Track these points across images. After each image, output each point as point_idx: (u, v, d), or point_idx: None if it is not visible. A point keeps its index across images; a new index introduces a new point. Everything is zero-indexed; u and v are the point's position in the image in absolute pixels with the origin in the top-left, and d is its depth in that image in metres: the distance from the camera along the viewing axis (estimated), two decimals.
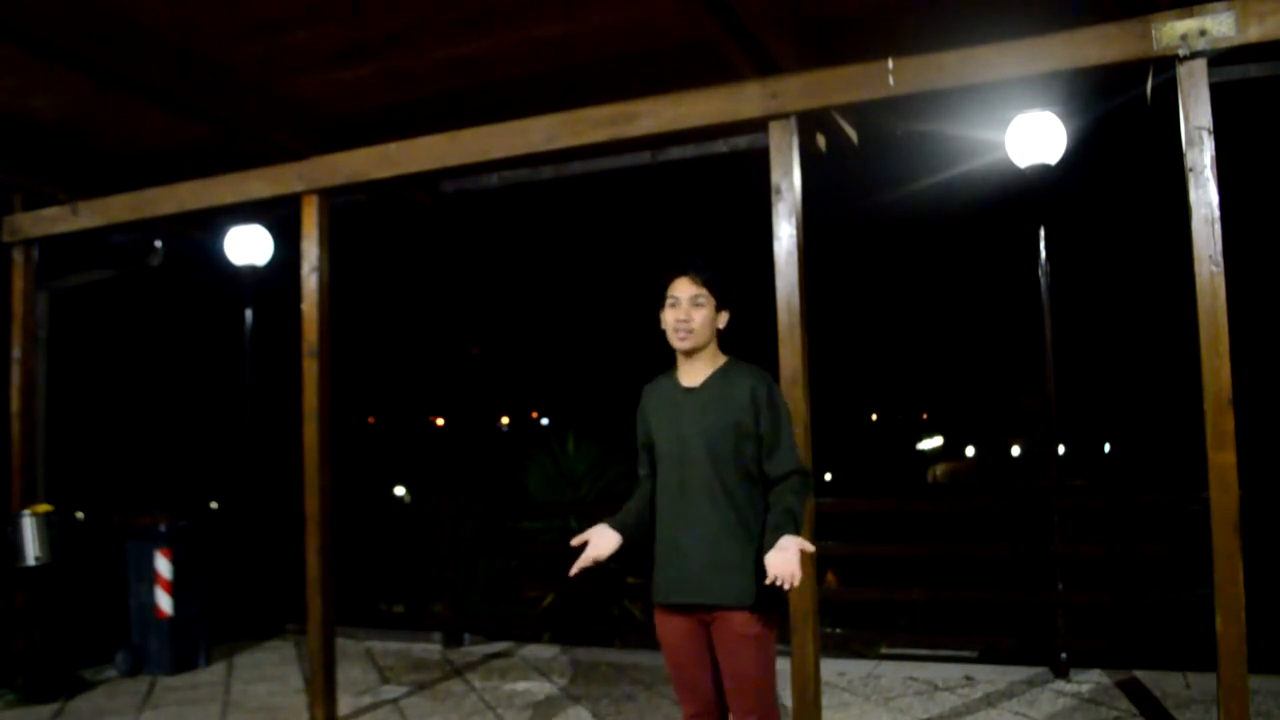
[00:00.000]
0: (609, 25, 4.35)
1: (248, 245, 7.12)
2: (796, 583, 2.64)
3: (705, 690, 2.97)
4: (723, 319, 2.97)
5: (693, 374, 2.98)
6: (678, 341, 2.94)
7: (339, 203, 5.77)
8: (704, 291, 2.91)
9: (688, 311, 2.91)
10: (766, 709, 2.89)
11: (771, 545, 2.72)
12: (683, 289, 2.92)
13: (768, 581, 2.66)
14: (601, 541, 2.96)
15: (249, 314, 7.60)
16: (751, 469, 2.89)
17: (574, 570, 2.95)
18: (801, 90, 4.31)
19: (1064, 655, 5.36)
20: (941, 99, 4.52)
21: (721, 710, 3.00)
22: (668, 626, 2.97)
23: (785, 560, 2.65)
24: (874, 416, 58.10)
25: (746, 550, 2.84)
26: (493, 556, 8.04)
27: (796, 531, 2.75)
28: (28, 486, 6.16)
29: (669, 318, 2.94)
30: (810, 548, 2.74)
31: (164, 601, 6.30)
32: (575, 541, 2.99)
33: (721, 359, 3.00)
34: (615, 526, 3.01)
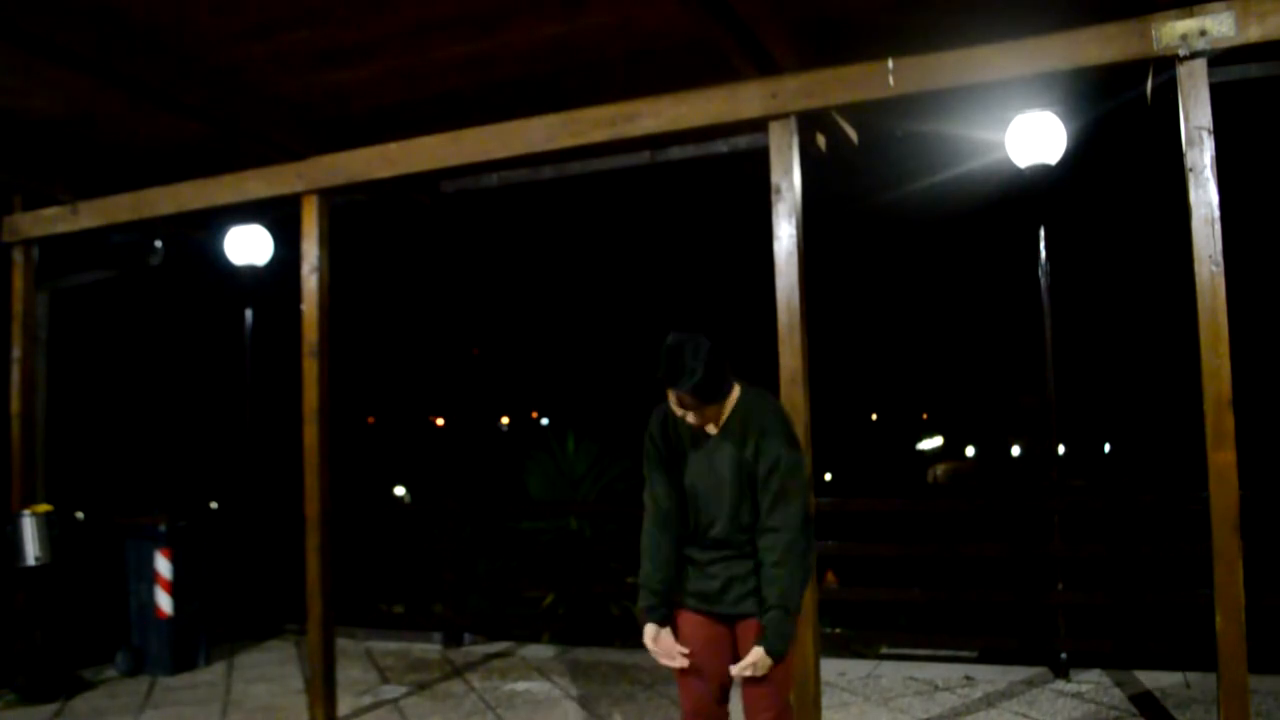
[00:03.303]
0: (609, 25, 4.35)
1: (248, 245, 7.11)
2: (738, 675, 2.84)
3: (707, 686, 3.00)
4: (729, 385, 2.91)
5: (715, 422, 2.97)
6: (699, 428, 2.94)
7: (339, 203, 5.77)
8: (701, 401, 2.85)
9: (699, 415, 2.89)
10: (782, 709, 2.93)
11: (766, 624, 2.81)
12: (684, 400, 2.86)
13: (736, 668, 2.83)
14: (671, 643, 2.97)
15: (249, 314, 7.60)
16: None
17: (678, 669, 2.97)
18: (801, 90, 4.31)
19: (1064, 655, 5.37)
20: (941, 99, 4.52)
21: (721, 713, 3.02)
22: (693, 625, 3.01)
23: (762, 665, 2.80)
24: (874, 416, 58.06)
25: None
26: (493, 556, 8.04)
27: (777, 642, 2.80)
28: (28, 486, 6.16)
29: (679, 414, 2.91)
30: (760, 672, 2.81)
31: (164, 601, 6.30)
32: (653, 653, 3.00)
33: (735, 393, 2.96)
34: (665, 622, 3.01)
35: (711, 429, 2.96)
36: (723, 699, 3.03)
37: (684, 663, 2.93)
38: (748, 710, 2.95)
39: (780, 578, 2.81)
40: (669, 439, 3.04)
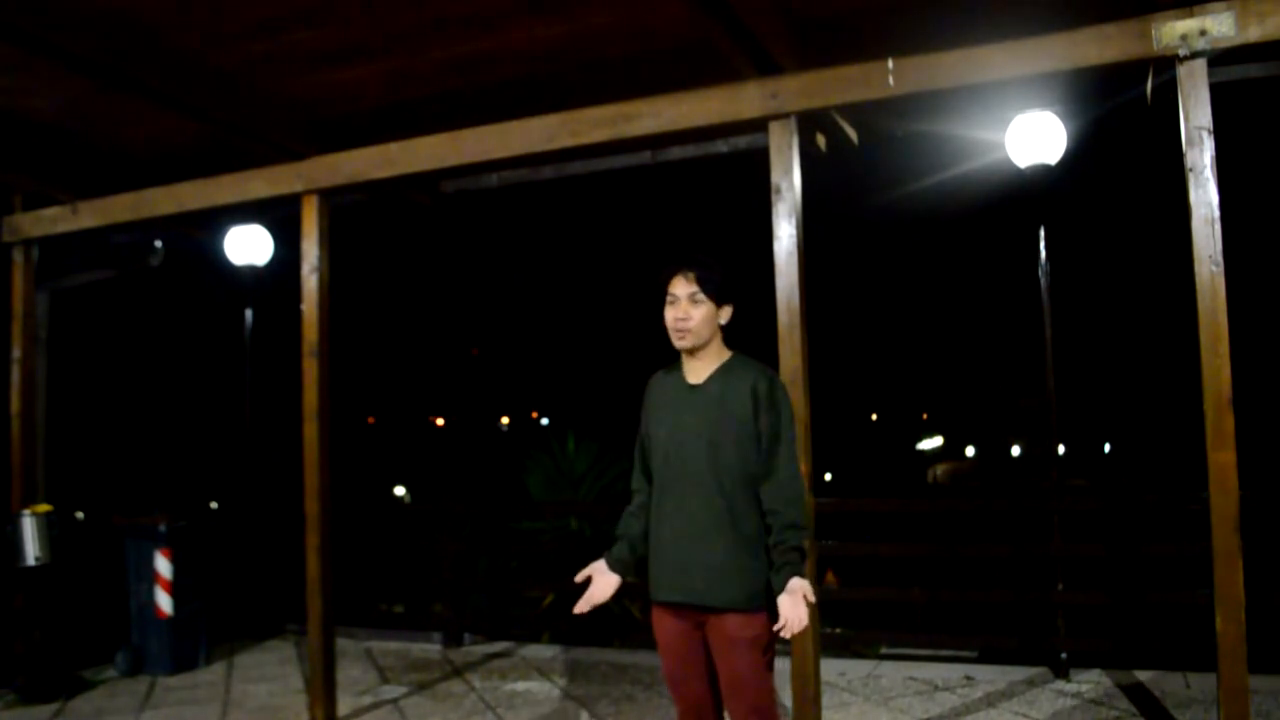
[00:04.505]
0: (609, 25, 4.35)
1: (248, 245, 7.11)
2: (802, 628, 2.69)
3: (697, 691, 2.96)
4: (725, 314, 2.94)
5: (697, 371, 2.96)
6: (677, 340, 2.93)
7: (339, 203, 5.77)
8: (699, 289, 2.88)
9: (686, 310, 2.89)
10: (765, 710, 2.87)
11: (780, 586, 2.76)
12: (680, 287, 2.90)
13: (776, 628, 2.72)
14: (601, 588, 2.96)
15: (249, 314, 7.60)
16: (752, 470, 2.86)
17: (579, 611, 2.96)
18: (801, 90, 4.31)
19: (1064, 655, 5.36)
20: (941, 99, 4.51)
21: (716, 711, 2.99)
22: (663, 625, 2.97)
23: (793, 606, 2.71)
24: (874, 416, 58.08)
25: (742, 553, 2.82)
26: (493, 556, 8.04)
27: (803, 569, 2.78)
28: (28, 486, 6.15)
29: (667, 316, 2.93)
30: (812, 597, 2.75)
31: (164, 601, 6.30)
32: (579, 578, 2.99)
33: (726, 355, 2.97)
34: (615, 565, 3.00)
35: (694, 378, 2.95)
36: (716, 697, 2.98)
37: (586, 607, 2.93)
38: (731, 712, 2.91)
39: (797, 521, 2.81)
40: (652, 406, 3.03)
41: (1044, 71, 3.97)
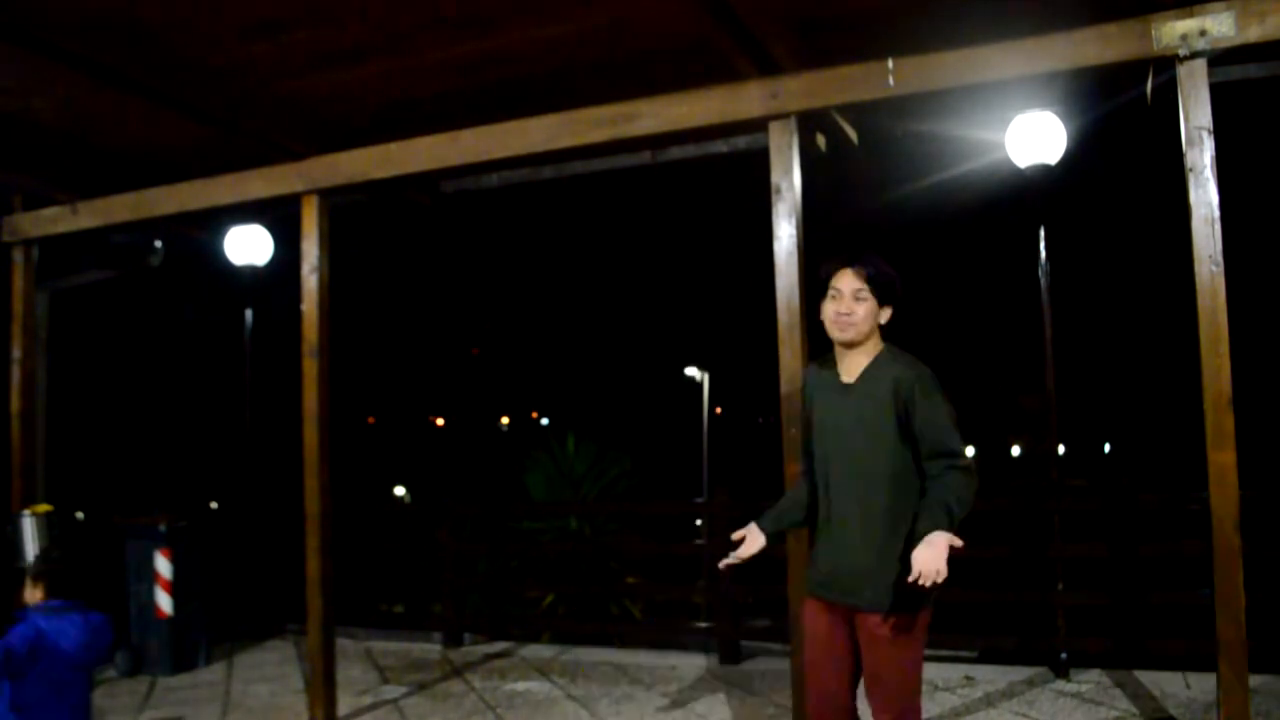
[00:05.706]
0: (609, 25, 4.35)
1: (248, 245, 7.11)
2: (940, 580, 2.62)
3: (831, 682, 2.99)
4: (885, 315, 2.97)
5: (851, 368, 2.98)
6: (838, 332, 2.94)
7: (339, 203, 5.77)
8: (866, 286, 2.90)
9: (849, 305, 2.91)
10: (904, 710, 2.89)
11: (920, 538, 2.69)
12: (845, 281, 2.92)
13: (910, 578, 2.65)
14: (751, 545, 3.04)
15: (249, 314, 7.60)
16: (904, 465, 2.86)
17: (724, 565, 3.06)
18: (801, 90, 4.31)
19: (1064, 655, 5.36)
20: (941, 99, 4.51)
21: (850, 706, 3.00)
22: (812, 614, 3.02)
23: (931, 557, 2.62)
24: None
25: (891, 552, 2.83)
26: (493, 556, 8.04)
27: (949, 525, 2.70)
28: (28, 486, 6.15)
29: (829, 309, 2.94)
30: (958, 542, 2.66)
31: (164, 601, 6.30)
32: (736, 536, 3.07)
33: (878, 349, 2.98)
34: (766, 528, 3.08)
35: (848, 376, 2.97)
36: (850, 697, 2.99)
37: (734, 560, 3.01)
38: (873, 710, 2.92)
39: (943, 496, 2.75)
40: (812, 399, 3.08)
41: (1044, 71, 3.98)
